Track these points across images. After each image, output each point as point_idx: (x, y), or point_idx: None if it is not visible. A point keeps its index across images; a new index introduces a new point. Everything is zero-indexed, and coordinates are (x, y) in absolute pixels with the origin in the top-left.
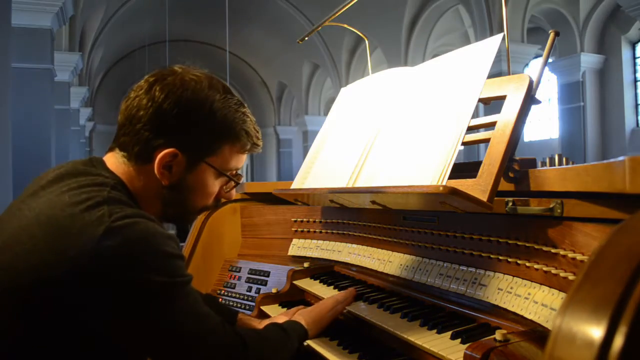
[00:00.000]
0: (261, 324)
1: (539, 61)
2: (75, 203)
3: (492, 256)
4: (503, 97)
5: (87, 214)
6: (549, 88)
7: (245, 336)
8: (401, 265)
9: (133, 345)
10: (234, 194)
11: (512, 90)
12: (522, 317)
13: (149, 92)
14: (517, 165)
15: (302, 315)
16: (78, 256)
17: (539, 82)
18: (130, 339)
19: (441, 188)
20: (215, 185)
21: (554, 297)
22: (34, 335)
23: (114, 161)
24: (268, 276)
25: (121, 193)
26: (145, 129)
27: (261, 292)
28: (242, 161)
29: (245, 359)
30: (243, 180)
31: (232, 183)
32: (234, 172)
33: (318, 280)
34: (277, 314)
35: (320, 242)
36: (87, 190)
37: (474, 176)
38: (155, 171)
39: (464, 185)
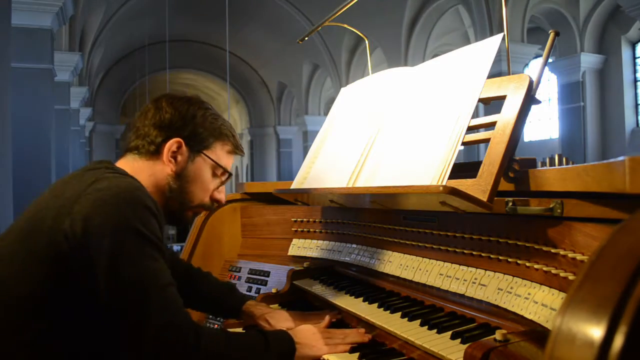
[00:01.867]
0: (270, 314)
1: (539, 61)
2: (81, 169)
3: (492, 256)
4: (503, 97)
5: (89, 172)
6: (549, 88)
7: (203, 330)
8: (401, 265)
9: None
10: (224, 197)
11: (512, 90)
12: (522, 317)
13: (156, 104)
14: (517, 165)
15: (301, 333)
16: (70, 197)
17: (539, 82)
18: (97, 279)
19: (441, 188)
20: (210, 181)
21: (554, 297)
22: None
23: (123, 161)
24: (268, 276)
25: (121, 171)
26: (154, 128)
27: (261, 292)
28: (230, 162)
29: (193, 349)
30: (242, 180)
31: (224, 178)
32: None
33: (318, 280)
34: (277, 318)
35: (320, 242)
36: (92, 166)
37: (474, 176)
38: (164, 158)
39: (464, 185)
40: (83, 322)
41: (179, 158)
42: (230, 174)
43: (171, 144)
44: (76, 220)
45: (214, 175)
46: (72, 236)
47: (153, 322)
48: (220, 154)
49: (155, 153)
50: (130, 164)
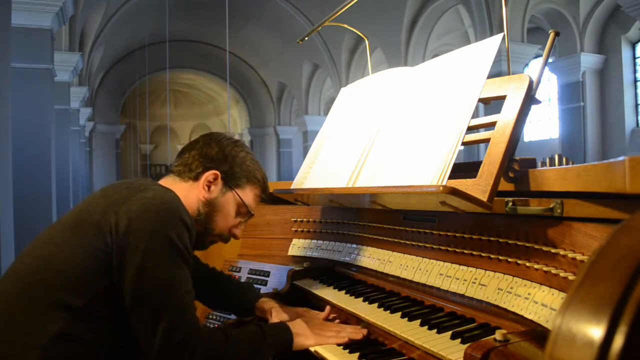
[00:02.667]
0: (273, 309)
1: (539, 61)
2: (132, 181)
3: (492, 256)
4: (503, 97)
5: (137, 182)
6: (549, 88)
7: (204, 334)
8: (401, 265)
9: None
10: (241, 233)
11: (512, 90)
12: (522, 317)
13: (207, 138)
14: (517, 165)
15: (300, 326)
16: (118, 198)
17: (539, 82)
18: (124, 280)
19: (441, 188)
20: (233, 216)
21: (554, 297)
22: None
23: (164, 181)
24: (268, 276)
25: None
26: (197, 160)
27: (261, 292)
28: (254, 205)
29: (192, 348)
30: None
31: (245, 218)
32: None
33: (318, 280)
34: (280, 312)
35: (320, 242)
36: (140, 181)
37: (474, 176)
38: (200, 184)
39: (464, 185)
40: (109, 311)
41: (212, 188)
42: (252, 215)
43: (209, 174)
44: (121, 219)
45: (238, 212)
46: (115, 231)
47: (167, 322)
48: (248, 195)
49: (193, 179)
50: (170, 183)
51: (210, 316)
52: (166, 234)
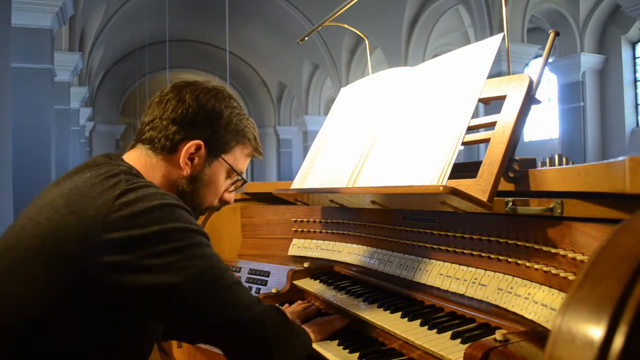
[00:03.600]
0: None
1: (539, 61)
2: (95, 176)
3: (492, 256)
4: (503, 97)
5: (106, 181)
6: (549, 88)
7: (267, 306)
8: (401, 265)
9: (146, 300)
10: (233, 197)
11: (512, 90)
12: (522, 317)
13: (179, 94)
14: (517, 165)
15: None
16: (96, 214)
17: (539, 82)
18: (148, 291)
19: (441, 188)
20: (223, 184)
21: (554, 297)
22: (63, 303)
23: (134, 155)
24: (268, 276)
25: (138, 175)
26: (173, 123)
27: (261, 292)
28: (246, 165)
29: (253, 319)
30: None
31: (237, 184)
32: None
33: (318, 280)
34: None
35: (320, 242)
36: (107, 169)
37: (474, 176)
38: (180, 160)
39: (464, 185)
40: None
41: (196, 161)
42: (245, 181)
43: (189, 146)
44: (111, 245)
45: (228, 177)
46: (107, 263)
47: (249, 312)
48: (238, 157)
49: (170, 151)
50: (142, 160)
51: None
52: (176, 227)
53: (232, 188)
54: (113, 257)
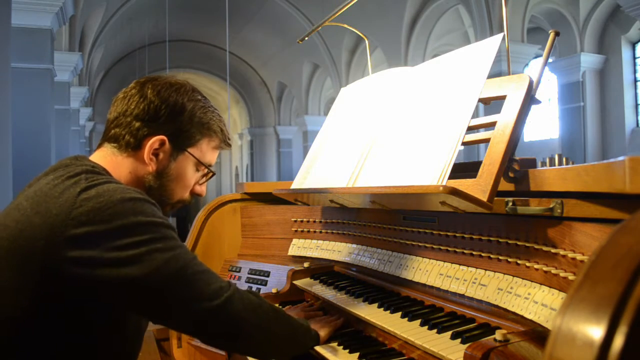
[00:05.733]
0: None
1: (539, 61)
2: (58, 177)
3: (492, 256)
4: (503, 97)
5: (68, 180)
6: (549, 88)
7: (239, 291)
8: (401, 265)
9: (117, 293)
10: (205, 190)
11: (512, 90)
12: (522, 317)
13: (141, 90)
14: (517, 165)
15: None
16: (59, 212)
17: (539, 82)
18: (114, 285)
19: (441, 188)
20: (192, 177)
21: (554, 297)
22: (36, 302)
23: (101, 154)
24: (268, 276)
25: (100, 172)
26: (136, 120)
27: (261, 292)
28: (215, 157)
29: (224, 302)
30: (242, 180)
31: (206, 176)
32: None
33: (318, 280)
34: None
35: (320, 242)
36: (69, 170)
37: (474, 176)
38: (145, 156)
39: (464, 185)
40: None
41: (161, 156)
42: (213, 173)
43: (153, 142)
44: (75, 240)
45: (197, 170)
46: (79, 260)
47: (214, 289)
48: (205, 149)
49: (135, 147)
50: (108, 159)
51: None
52: (137, 219)
53: (202, 180)
54: (78, 252)
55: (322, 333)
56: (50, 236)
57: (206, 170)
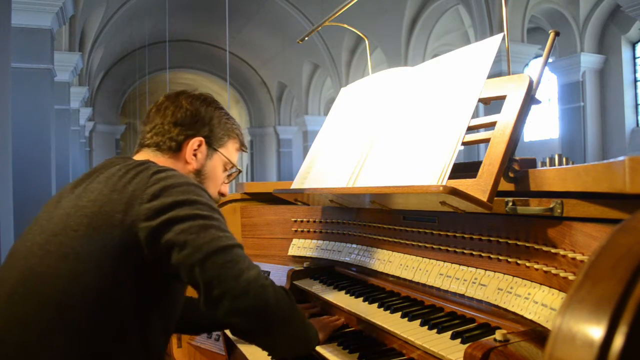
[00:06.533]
0: None
1: (539, 61)
2: (126, 165)
3: (492, 256)
4: (503, 97)
5: (138, 167)
6: (549, 88)
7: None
8: (401, 265)
9: (176, 264)
10: (228, 189)
11: (512, 90)
12: (522, 317)
13: (176, 101)
14: (517, 165)
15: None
16: (135, 190)
17: (539, 82)
18: (176, 251)
19: (441, 188)
20: (221, 176)
21: (554, 297)
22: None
23: (145, 156)
24: (268, 276)
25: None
26: (175, 126)
27: None
28: (237, 158)
29: (266, 299)
30: (242, 180)
31: (233, 175)
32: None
33: (318, 280)
34: None
35: (320, 242)
36: (132, 161)
37: (474, 176)
38: (187, 156)
39: (464, 185)
40: (158, 301)
41: (199, 156)
42: (240, 171)
43: (193, 143)
44: (151, 207)
45: (224, 170)
46: (147, 220)
47: (248, 272)
48: (231, 150)
49: (176, 150)
50: (154, 159)
51: None
52: (199, 199)
53: (227, 180)
54: (150, 223)
55: (322, 334)
56: (128, 209)
57: (231, 170)
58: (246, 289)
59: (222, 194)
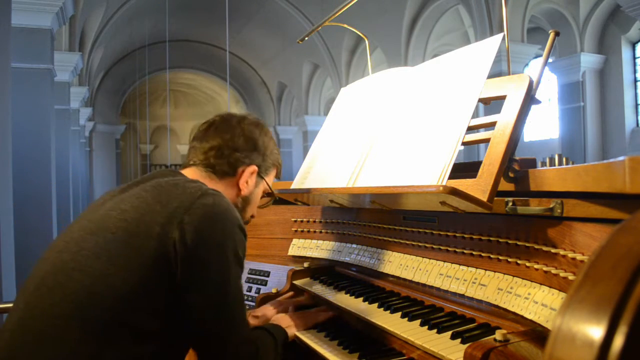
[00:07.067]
0: (255, 316)
1: (539, 61)
2: (177, 179)
3: (492, 256)
4: (503, 97)
5: (188, 183)
6: (549, 88)
7: (257, 340)
8: (401, 265)
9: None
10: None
11: (512, 90)
12: (522, 317)
13: (238, 126)
14: (517, 165)
15: (285, 320)
16: (178, 207)
17: (539, 82)
18: (184, 289)
19: (441, 188)
20: (259, 201)
21: (554, 297)
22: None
23: (198, 174)
24: (268, 276)
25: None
26: (236, 151)
27: (261, 292)
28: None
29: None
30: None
31: (268, 201)
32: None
33: (318, 280)
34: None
35: (320, 242)
36: (184, 177)
37: (474, 176)
38: (241, 182)
39: (464, 185)
40: (169, 322)
41: (250, 183)
42: (276, 198)
43: (250, 171)
44: (188, 231)
45: (263, 196)
46: (182, 245)
47: (238, 336)
48: (270, 178)
49: (229, 174)
50: (207, 181)
51: None
52: (233, 247)
53: (260, 204)
54: (181, 244)
55: (300, 326)
56: (167, 224)
57: (267, 196)
58: (239, 345)
59: (252, 217)
